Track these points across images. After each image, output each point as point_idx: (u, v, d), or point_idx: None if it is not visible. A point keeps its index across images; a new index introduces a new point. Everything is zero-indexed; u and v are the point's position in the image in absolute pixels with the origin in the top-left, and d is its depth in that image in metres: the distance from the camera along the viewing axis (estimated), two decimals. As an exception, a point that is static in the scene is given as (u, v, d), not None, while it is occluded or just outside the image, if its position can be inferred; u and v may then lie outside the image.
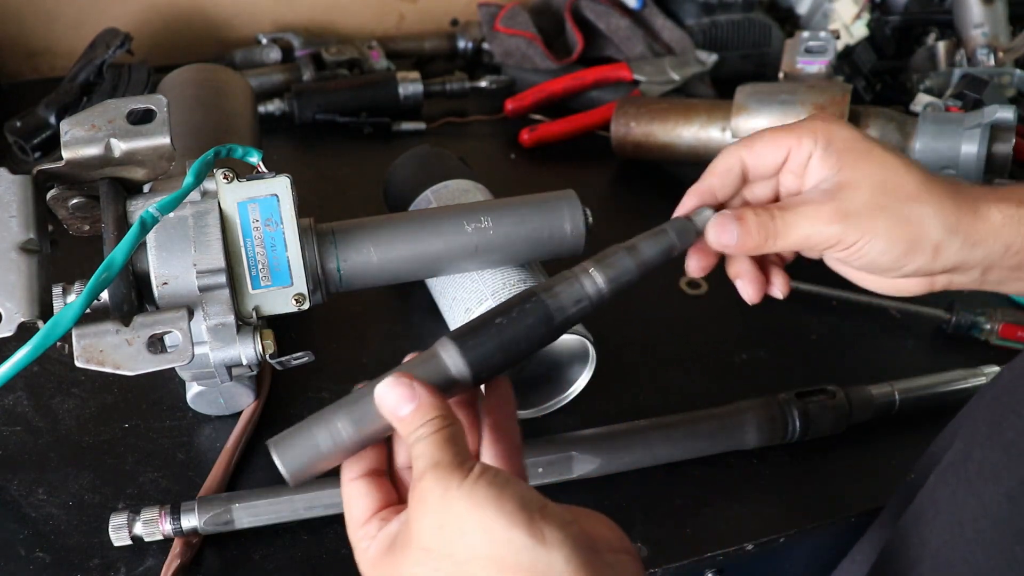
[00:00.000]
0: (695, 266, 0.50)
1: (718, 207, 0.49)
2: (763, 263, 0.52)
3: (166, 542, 0.52)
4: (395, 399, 0.40)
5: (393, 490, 0.43)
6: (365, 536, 0.41)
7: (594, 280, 0.45)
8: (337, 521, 0.55)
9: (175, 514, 0.52)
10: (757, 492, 0.59)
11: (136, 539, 0.51)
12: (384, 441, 0.43)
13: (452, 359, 0.42)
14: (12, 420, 0.60)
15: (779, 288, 0.51)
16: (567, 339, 0.59)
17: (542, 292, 0.44)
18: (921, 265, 0.47)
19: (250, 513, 0.53)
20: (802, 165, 0.48)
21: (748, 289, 0.50)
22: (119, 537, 0.51)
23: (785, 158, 0.48)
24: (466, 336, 0.43)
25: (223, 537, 0.53)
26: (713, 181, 0.50)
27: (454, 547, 0.36)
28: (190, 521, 0.52)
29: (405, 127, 0.98)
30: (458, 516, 0.36)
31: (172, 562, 0.51)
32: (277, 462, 0.41)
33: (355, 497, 0.42)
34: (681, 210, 0.50)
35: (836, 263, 0.50)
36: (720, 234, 0.48)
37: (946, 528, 0.45)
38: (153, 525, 0.51)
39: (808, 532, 0.57)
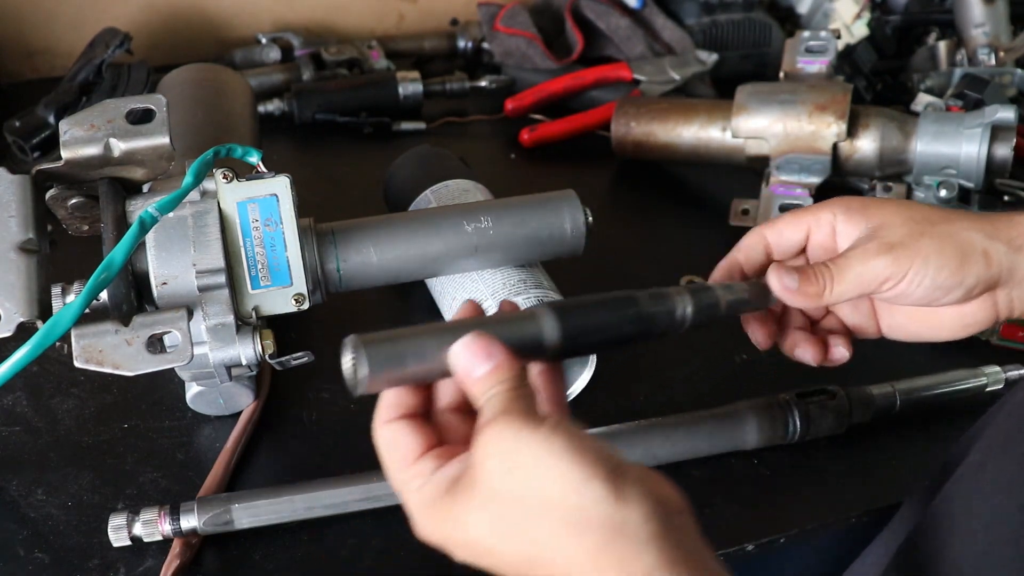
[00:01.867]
0: (760, 336, 0.52)
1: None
2: (819, 334, 0.53)
3: (165, 543, 0.52)
4: (469, 357, 0.37)
5: (435, 433, 0.40)
6: (417, 475, 0.38)
7: (685, 308, 0.46)
8: (337, 521, 0.55)
9: (174, 514, 0.51)
10: (757, 492, 0.59)
11: (135, 539, 0.51)
12: (424, 394, 0.41)
13: (549, 325, 0.41)
14: (12, 420, 0.60)
15: (842, 350, 0.52)
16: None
17: (641, 298, 0.45)
18: (980, 274, 0.47)
19: (250, 513, 0.52)
20: (829, 236, 0.50)
21: (808, 352, 0.51)
22: (118, 538, 0.51)
23: (806, 235, 0.51)
24: (566, 309, 0.42)
25: (223, 537, 0.53)
26: (739, 256, 0.52)
27: (525, 493, 0.34)
28: (190, 521, 0.51)
29: (405, 127, 0.98)
30: (530, 462, 0.34)
31: (172, 562, 0.51)
32: (359, 362, 0.37)
33: (397, 438, 0.39)
34: (713, 280, 0.52)
35: (904, 319, 0.52)
36: (782, 277, 0.48)
37: (960, 539, 0.45)
38: (152, 525, 0.51)
39: (808, 532, 0.57)
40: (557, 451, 0.34)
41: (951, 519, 0.46)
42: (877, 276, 0.47)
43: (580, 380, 0.62)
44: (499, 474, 0.35)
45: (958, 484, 0.47)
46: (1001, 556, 0.43)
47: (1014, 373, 0.65)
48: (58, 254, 0.75)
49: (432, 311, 0.67)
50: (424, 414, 0.41)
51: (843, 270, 0.48)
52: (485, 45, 1.09)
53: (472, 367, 0.37)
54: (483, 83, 1.03)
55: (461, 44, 1.11)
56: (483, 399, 0.37)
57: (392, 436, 0.39)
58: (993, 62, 0.96)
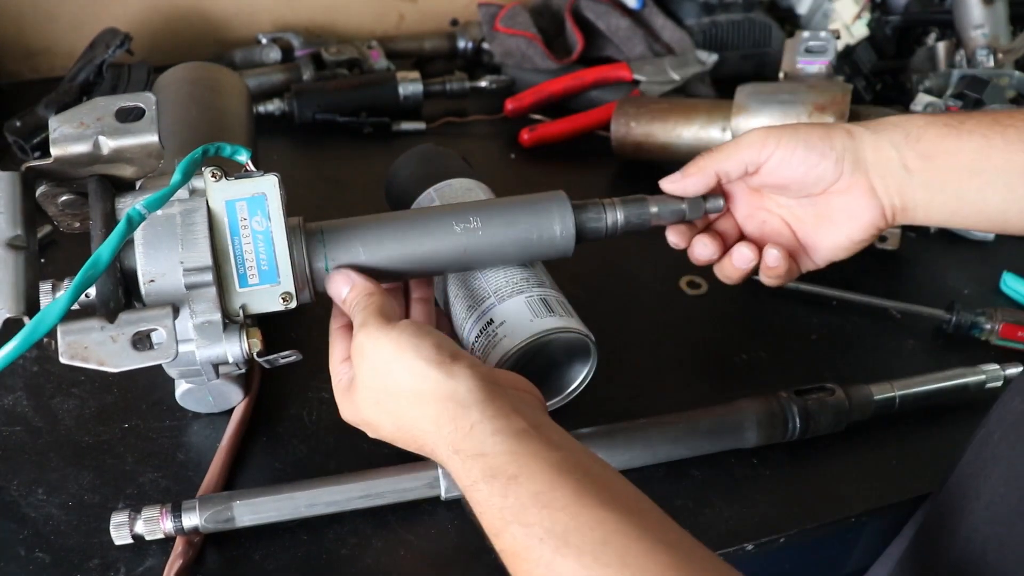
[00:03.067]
0: (675, 237, 0.63)
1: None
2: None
3: (166, 542, 0.52)
4: (336, 286, 0.53)
5: None
6: (340, 372, 0.53)
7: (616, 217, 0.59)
8: (337, 521, 0.55)
9: (176, 512, 0.51)
10: (757, 492, 0.59)
11: (137, 537, 0.51)
12: None
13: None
14: (12, 420, 0.60)
15: (744, 250, 0.61)
16: (568, 338, 0.59)
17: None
18: (845, 143, 0.57)
19: (251, 510, 0.52)
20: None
21: (706, 246, 0.62)
22: (120, 536, 0.51)
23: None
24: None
25: (223, 537, 0.53)
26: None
27: (386, 382, 0.48)
28: (191, 519, 0.52)
29: (405, 127, 0.98)
30: (386, 359, 0.47)
31: (175, 561, 0.50)
32: None
33: (337, 341, 0.54)
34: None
35: (809, 224, 0.61)
36: (667, 180, 0.60)
37: (1001, 481, 0.47)
38: (154, 523, 0.51)
39: (808, 532, 0.57)
40: (404, 348, 0.47)
41: (996, 463, 0.48)
42: (755, 140, 0.57)
43: (580, 379, 0.62)
44: (368, 374, 0.49)
45: (1008, 431, 0.48)
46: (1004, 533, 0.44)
47: (1012, 371, 0.65)
48: (59, 253, 0.75)
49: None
50: None
51: (723, 147, 0.59)
52: (485, 45, 1.09)
53: (339, 292, 0.53)
54: (483, 83, 1.03)
55: (461, 44, 1.11)
56: (351, 311, 0.52)
57: (334, 340, 0.55)
58: (992, 63, 0.96)
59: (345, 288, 0.53)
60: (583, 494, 0.40)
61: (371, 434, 0.52)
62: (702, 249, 0.62)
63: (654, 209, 0.60)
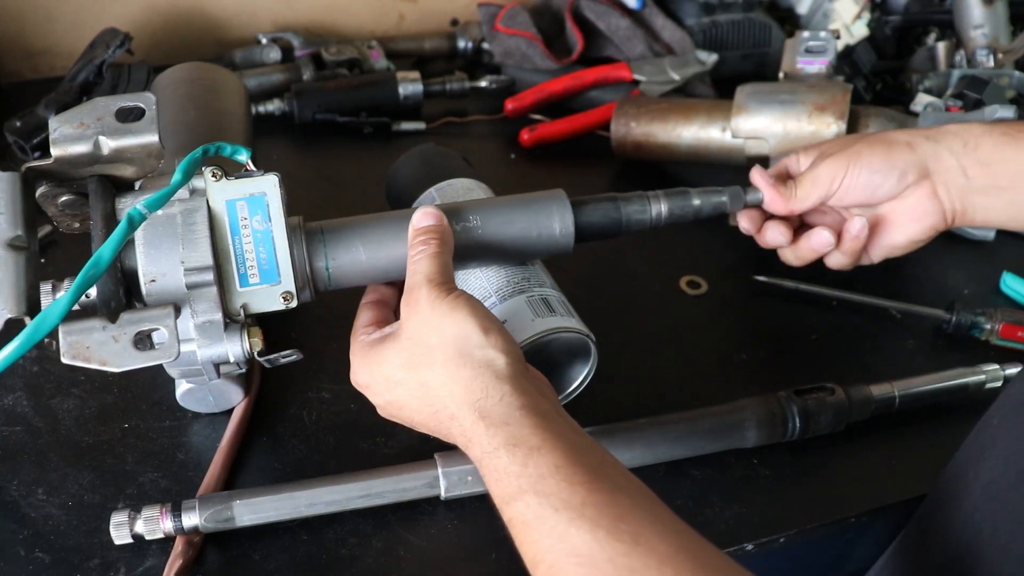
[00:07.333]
0: (745, 223, 0.67)
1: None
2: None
3: (166, 542, 0.52)
4: (421, 215, 0.54)
5: (393, 317, 0.55)
6: (363, 333, 0.53)
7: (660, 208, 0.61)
8: (337, 521, 0.55)
9: (176, 512, 0.51)
10: (757, 492, 0.59)
11: (137, 537, 0.51)
12: (396, 291, 0.57)
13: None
14: (12, 420, 0.60)
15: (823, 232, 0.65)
16: (569, 337, 0.59)
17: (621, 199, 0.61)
18: (907, 159, 0.62)
19: (251, 510, 0.52)
20: None
21: (778, 232, 0.65)
22: (120, 535, 0.51)
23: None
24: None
25: (223, 537, 0.53)
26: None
27: (429, 337, 0.48)
28: (191, 519, 0.52)
29: (405, 127, 0.98)
30: (440, 316, 0.48)
31: (175, 561, 0.50)
32: None
33: (366, 311, 0.55)
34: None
35: (874, 228, 0.65)
36: (764, 175, 0.65)
37: (1000, 460, 0.47)
38: (154, 523, 0.51)
39: (808, 532, 0.57)
40: (459, 309, 0.48)
41: (995, 444, 0.48)
42: (826, 177, 0.63)
43: (581, 379, 0.62)
44: (416, 326, 0.49)
45: (1009, 414, 0.49)
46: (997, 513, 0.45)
47: (1012, 371, 0.65)
48: (59, 253, 0.75)
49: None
50: (390, 305, 0.57)
51: (801, 180, 0.64)
52: (485, 45, 1.09)
53: (421, 220, 0.53)
54: (483, 83, 1.03)
55: (461, 44, 1.11)
56: (416, 249, 0.52)
57: (362, 310, 0.56)
58: (992, 63, 0.96)
59: (430, 220, 0.53)
60: (600, 474, 0.42)
61: (380, 398, 0.52)
62: (776, 236, 0.65)
63: (697, 201, 0.62)
